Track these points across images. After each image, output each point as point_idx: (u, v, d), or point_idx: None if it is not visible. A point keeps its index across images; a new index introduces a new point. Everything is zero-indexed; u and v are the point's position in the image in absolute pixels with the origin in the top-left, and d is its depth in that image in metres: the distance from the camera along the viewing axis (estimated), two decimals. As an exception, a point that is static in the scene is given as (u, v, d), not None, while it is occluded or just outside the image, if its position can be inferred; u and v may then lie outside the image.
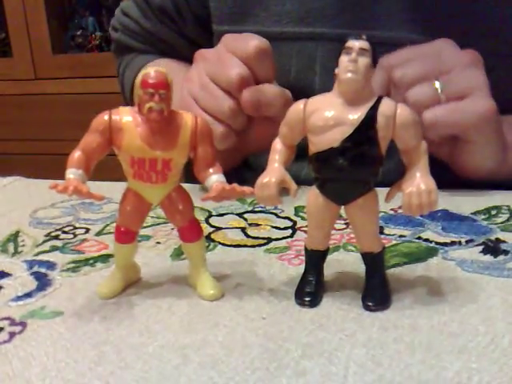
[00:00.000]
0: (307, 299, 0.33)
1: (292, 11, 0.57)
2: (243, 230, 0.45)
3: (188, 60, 0.70)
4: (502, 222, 0.45)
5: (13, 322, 0.32)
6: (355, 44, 0.30)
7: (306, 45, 0.57)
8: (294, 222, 0.46)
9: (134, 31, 0.71)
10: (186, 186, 0.35)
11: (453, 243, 0.41)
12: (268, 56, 0.49)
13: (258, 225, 0.46)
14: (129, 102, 0.75)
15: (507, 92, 0.53)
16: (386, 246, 0.36)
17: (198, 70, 0.52)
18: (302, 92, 0.57)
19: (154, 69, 0.31)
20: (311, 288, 0.33)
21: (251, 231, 0.45)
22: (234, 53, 0.49)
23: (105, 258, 0.40)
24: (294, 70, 0.59)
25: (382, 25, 0.56)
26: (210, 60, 0.51)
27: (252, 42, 0.48)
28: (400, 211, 0.47)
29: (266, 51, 0.48)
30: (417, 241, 0.42)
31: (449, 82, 0.48)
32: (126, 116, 0.32)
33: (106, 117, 0.32)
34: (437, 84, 0.48)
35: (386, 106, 0.30)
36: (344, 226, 0.44)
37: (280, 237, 0.43)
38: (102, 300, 0.34)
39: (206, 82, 0.50)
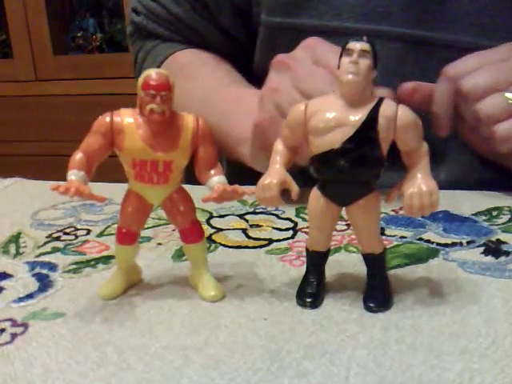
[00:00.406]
0: (309, 300, 0.33)
1: (355, 6, 0.53)
2: (244, 231, 0.45)
3: (216, 50, 0.66)
4: (503, 223, 0.45)
5: (14, 324, 0.32)
6: (356, 45, 0.30)
7: None
8: (295, 223, 0.46)
9: (161, 16, 0.66)
10: (186, 187, 0.35)
11: (454, 244, 0.41)
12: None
13: (259, 226, 0.46)
14: None
15: None
16: (387, 247, 0.36)
17: (283, 81, 0.47)
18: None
19: (155, 70, 0.31)
20: (312, 289, 0.33)
21: (252, 232, 0.45)
22: (329, 68, 0.44)
23: (106, 260, 0.40)
24: None
25: (447, 27, 0.53)
26: (299, 73, 0.46)
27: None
28: (401, 212, 0.47)
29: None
30: (418, 242, 0.42)
31: None
32: (127, 118, 0.32)
33: (108, 118, 0.32)
34: (509, 95, 0.46)
35: (387, 107, 0.30)
36: (345, 227, 0.44)
37: (281, 238, 0.43)
38: (104, 301, 0.34)
39: (297, 98, 0.45)
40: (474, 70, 0.47)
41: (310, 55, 0.47)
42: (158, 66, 0.64)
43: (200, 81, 0.61)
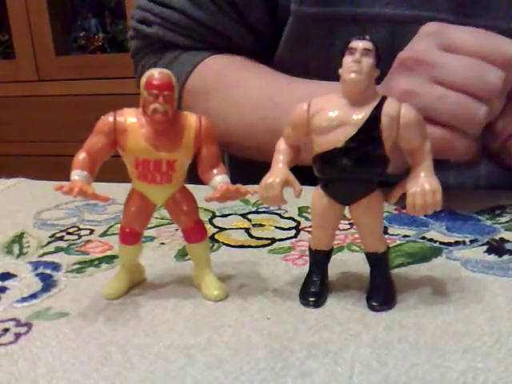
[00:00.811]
0: (312, 299, 0.33)
1: None
2: (247, 230, 0.45)
3: (242, 53, 0.60)
4: (506, 222, 0.45)
5: (18, 323, 0.32)
6: (359, 44, 0.30)
7: (409, 29, 0.48)
8: (298, 223, 0.46)
9: (180, 24, 0.60)
10: (189, 186, 0.35)
11: (457, 243, 0.41)
12: None
13: (261, 225, 0.46)
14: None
15: None
16: (390, 246, 0.36)
17: (418, 80, 0.43)
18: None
19: (158, 70, 0.31)
20: (316, 288, 0.33)
21: (255, 232, 0.45)
22: (467, 51, 0.41)
23: (109, 259, 0.40)
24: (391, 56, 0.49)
25: (486, 13, 0.51)
26: (436, 65, 0.42)
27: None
28: (404, 211, 0.47)
29: None
30: (421, 241, 0.42)
31: None
32: (130, 117, 0.32)
33: (111, 118, 0.32)
34: None
35: (390, 106, 0.30)
36: (348, 226, 0.44)
37: (284, 237, 0.43)
38: (107, 301, 0.34)
39: (442, 92, 0.42)
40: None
41: (437, 43, 0.43)
42: (187, 77, 0.59)
43: (246, 84, 0.56)
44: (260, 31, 0.60)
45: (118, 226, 0.35)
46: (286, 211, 0.49)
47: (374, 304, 0.32)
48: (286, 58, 0.59)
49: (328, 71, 0.45)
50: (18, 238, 0.45)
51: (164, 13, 0.60)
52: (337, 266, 0.37)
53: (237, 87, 0.55)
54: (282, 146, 0.33)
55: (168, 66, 0.60)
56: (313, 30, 0.55)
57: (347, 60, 0.30)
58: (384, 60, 0.41)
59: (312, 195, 0.33)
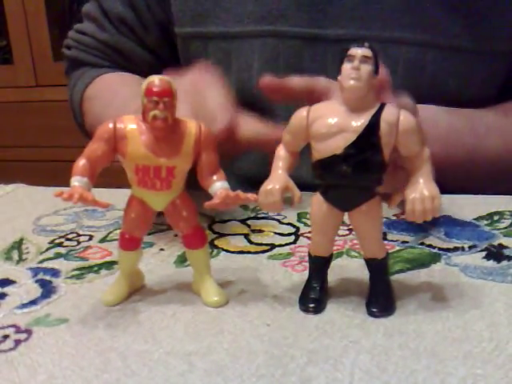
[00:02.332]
0: (311, 305, 0.33)
1: (253, 11, 0.59)
2: (246, 236, 0.45)
3: (144, 73, 0.69)
4: (504, 228, 0.45)
5: (18, 330, 0.32)
6: (358, 51, 0.30)
7: (268, 41, 0.59)
8: (297, 228, 0.46)
9: (89, 45, 0.71)
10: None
11: (456, 249, 0.41)
12: (234, 131, 0.46)
13: (261, 231, 0.46)
14: (78, 117, 0.73)
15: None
16: (389, 252, 0.36)
17: None
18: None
19: (158, 77, 0.31)
20: (315, 294, 0.33)
21: (254, 237, 0.45)
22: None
23: (109, 265, 0.40)
24: (256, 64, 0.60)
25: (334, 24, 0.58)
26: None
27: (219, 126, 0.45)
28: (403, 217, 0.47)
29: (232, 129, 0.46)
30: (420, 247, 0.42)
31: None
32: (130, 124, 0.32)
33: (111, 125, 0.32)
34: None
35: (388, 112, 0.30)
36: (347, 232, 0.44)
37: (283, 243, 0.43)
38: (107, 307, 0.34)
39: None
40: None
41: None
42: (85, 88, 0.69)
43: (123, 95, 0.63)
44: (158, 52, 0.69)
45: (118, 231, 0.35)
46: (285, 217, 0.49)
47: (374, 310, 0.32)
48: None
49: None
50: (18, 244, 0.45)
51: (79, 37, 0.71)
52: (336, 272, 0.37)
53: (115, 96, 0.63)
54: (281, 152, 0.33)
55: (77, 79, 0.71)
56: (191, 46, 0.64)
57: (346, 67, 0.30)
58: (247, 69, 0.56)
59: (311, 201, 0.33)
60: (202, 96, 0.47)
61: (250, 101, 0.54)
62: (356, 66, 0.30)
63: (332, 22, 0.58)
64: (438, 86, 0.58)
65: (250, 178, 0.50)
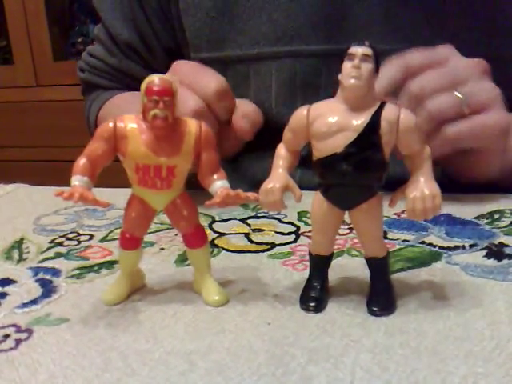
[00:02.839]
0: (312, 304, 0.33)
1: (268, 33, 0.60)
2: (247, 235, 0.45)
3: None
4: (505, 226, 0.45)
5: (19, 329, 0.32)
6: (358, 50, 0.30)
7: (285, 62, 0.60)
8: (298, 227, 0.46)
9: (100, 69, 0.73)
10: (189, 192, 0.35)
11: (456, 247, 0.41)
12: (228, 96, 0.50)
13: (261, 230, 0.46)
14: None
15: None
16: (390, 250, 0.36)
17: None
18: (285, 106, 0.61)
19: (158, 76, 0.31)
20: (316, 293, 0.33)
21: (255, 237, 0.45)
22: (193, 90, 0.49)
23: (109, 265, 0.40)
24: (275, 86, 0.61)
25: (349, 39, 0.57)
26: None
27: (212, 85, 0.49)
28: (403, 216, 0.47)
29: (226, 92, 0.50)
30: (420, 245, 0.42)
31: (470, 94, 0.48)
32: (130, 123, 0.32)
33: (111, 124, 0.32)
34: (458, 94, 0.48)
35: (389, 111, 0.30)
36: (348, 231, 0.44)
37: (284, 242, 0.43)
38: (108, 306, 0.34)
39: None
40: (420, 70, 0.49)
41: (182, 79, 0.50)
42: (99, 109, 0.72)
43: (130, 110, 0.67)
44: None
45: (118, 231, 0.35)
46: (286, 216, 0.49)
47: (375, 309, 0.32)
48: None
49: None
50: (18, 244, 0.45)
51: (91, 61, 0.74)
52: (337, 270, 0.37)
53: (127, 111, 0.66)
54: (281, 151, 0.33)
55: (92, 101, 0.74)
56: None
57: (346, 66, 0.30)
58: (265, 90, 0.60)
59: (312, 200, 0.33)
60: (198, 76, 0.50)
61: (268, 121, 0.55)
62: (356, 65, 0.30)
63: (348, 37, 0.56)
64: None
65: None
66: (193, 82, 0.50)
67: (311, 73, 0.60)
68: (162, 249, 0.43)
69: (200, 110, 0.48)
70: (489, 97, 0.49)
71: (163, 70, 0.67)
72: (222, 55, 0.62)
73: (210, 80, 0.50)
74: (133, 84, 0.71)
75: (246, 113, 0.51)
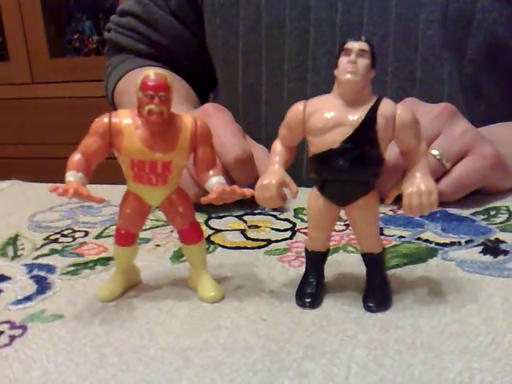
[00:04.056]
0: (308, 300, 0.33)
1: None
2: (243, 231, 0.45)
3: (175, 63, 0.73)
4: (501, 223, 0.45)
5: (13, 326, 0.32)
6: (354, 45, 0.30)
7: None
8: (294, 224, 0.46)
9: (126, 26, 0.74)
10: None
11: (452, 244, 0.41)
12: (247, 165, 0.48)
13: (257, 227, 0.46)
14: (111, 104, 0.76)
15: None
16: (386, 246, 0.36)
17: None
18: (297, 39, 0.61)
19: (153, 71, 0.31)
20: (312, 289, 0.33)
21: (251, 233, 0.45)
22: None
23: (104, 261, 0.40)
24: (288, 19, 0.61)
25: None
26: None
27: (232, 154, 0.47)
28: (399, 212, 0.47)
29: (246, 161, 0.47)
30: (416, 241, 0.42)
31: (446, 147, 0.47)
32: (125, 118, 0.32)
33: (106, 119, 0.32)
34: (434, 152, 0.47)
35: (385, 106, 0.30)
36: (344, 227, 0.44)
37: (280, 238, 0.43)
38: (103, 303, 0.34)
39: None
40: None
41: None
42: (118, 79, 0.72)
43: None
44: (182, 18, 0.71)
45: (113, 227, 0.35)
46: (282, 213, 0.49)
47: (370, 305, 0.32)
48: (208, 36, 0.70)
49: (234, 38, 0.64)
50: (13, 241, 0.45)
51: (118, 20, 0.75)
52: (333, 267, 0.37)
53: None
54: (277, 147, 0.33)
55: (113, 68, 0.75)
56: (218, 0, 0.65)
57: (343, 61, 0.30)
58: (278, 25, 0.61)
59: (308, 196, 0.33)
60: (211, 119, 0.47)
61: (280, 60, 0.55)
62: (353, 60, 0.29)
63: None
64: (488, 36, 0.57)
65: None
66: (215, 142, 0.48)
67: (326, 8, 0.59)
68: (158, 245, 0.43)
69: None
70: (466, 140, 0.47)
71: (179, 12, 0.70)
72: None
73: (231, 149, 0.47)
74: (155, 36, 0.72)
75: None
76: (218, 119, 0.49)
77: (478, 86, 0.48)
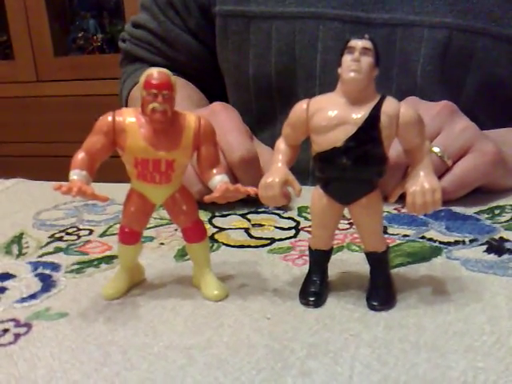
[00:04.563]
0: (312, 299, 0.33)
1: None
2: (246, 230, 0.45)
3: (191, 75, 0.73)
4: (505, 221, 0.44)
5: (18, 324, 0.32)
6: (358, 43, 0.30)
7: (308, 23, 0.61)
8: (298, 223, 0.46)
9: (141, 39, 0.74)
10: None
11: (457, 242, 0.41)
12: (252, 165, 0.48)
13: (261, 225, 0.46)
14: None
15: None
16: (390, 245, 0.36)
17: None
18: (306, 66, 0.62)
19: (157, 69, 0.31)
20: (316, 288, 0.33)
21: (255, 232, 0.45)
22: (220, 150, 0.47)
23: (109, 259, 0.40)
24: (297, 47, 0.62)
25: (382, 7, 0.59)
26: None
27: (237, 153, 0.47)
28: (403, 210, 0.47)
29: (251, 161, 0.48)
30: (421, 240, 0.42)
31: (447, 144, 0.47)
32: (129, 117, 0.32)
33: (110, 118, 0.32)
34: (436, 149, 0.47)
35: (389, 105, 0.30)
36: (347, 226, 0.44)
37: (283, 237, 0.43)
38: (107, 301, 0.34)
39: None
40: None
41: None
42: (133, 86, 0.73)
43: None
44: (199, 36, 0.71)
45: (118, 226, 0.35)
46: (286, 211, 0.49)
47: (374, 303, 0.32)
48: (220, 56, 0.70)
49: (245, 63, 0.65)
50: (18, 239, 0.45)
51: (132, 31, 0.75)
52: (336, 265, 0.37)
53: None
54: (281, 145, 0.33)
55: (128, 76, 0.75)
56: (231, 25, 0.66)
57: (346, 59, 0.30)
58: (287, 52, 0.61)
59: (311, 195, 0.33)
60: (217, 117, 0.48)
61: (288, 83, 0.55)
62: (356, 58, 0.29)
63: (379, 5, 0.58)
64: (486, 74, 0.59)
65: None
66: (221, 140, 0.47)
67: (333, 38, 0.60)
68: (162, 244, 0.43)
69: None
70: (467, 137, 0.48)
71: (197, 30, 0.70)
72: (246, 10, 0.63)
73: (237, 148, 0.48)
74: (170, 53, 0.73)
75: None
76: (225, 118, 0.49)
77: (473, 118, 0.49)
